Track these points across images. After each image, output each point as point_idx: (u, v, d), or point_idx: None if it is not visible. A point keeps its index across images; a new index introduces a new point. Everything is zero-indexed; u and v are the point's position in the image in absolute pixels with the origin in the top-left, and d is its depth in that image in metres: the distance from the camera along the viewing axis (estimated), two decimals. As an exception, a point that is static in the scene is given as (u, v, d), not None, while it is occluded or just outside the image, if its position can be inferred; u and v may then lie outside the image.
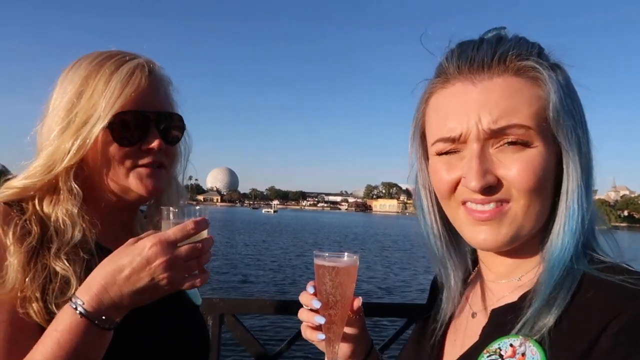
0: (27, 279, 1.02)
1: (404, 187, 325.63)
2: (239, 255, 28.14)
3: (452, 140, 0.88)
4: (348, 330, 1.10)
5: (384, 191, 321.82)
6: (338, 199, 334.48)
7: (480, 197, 0.86)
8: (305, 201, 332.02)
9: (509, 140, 0.83)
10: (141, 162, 1.17)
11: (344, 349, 1.11)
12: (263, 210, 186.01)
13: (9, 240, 1.04)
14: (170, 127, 1.22)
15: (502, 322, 0.88)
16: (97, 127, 1.09)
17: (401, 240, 49.12)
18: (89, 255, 1.10)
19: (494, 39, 0.89)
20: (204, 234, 1.04)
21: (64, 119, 1.12)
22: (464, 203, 0.90)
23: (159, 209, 1.24)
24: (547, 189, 0.86)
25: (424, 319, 1.17)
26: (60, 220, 1.10)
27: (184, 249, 0.98)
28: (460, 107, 0.87)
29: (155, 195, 1.24)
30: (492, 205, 0.86)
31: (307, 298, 1.08)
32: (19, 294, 1.01)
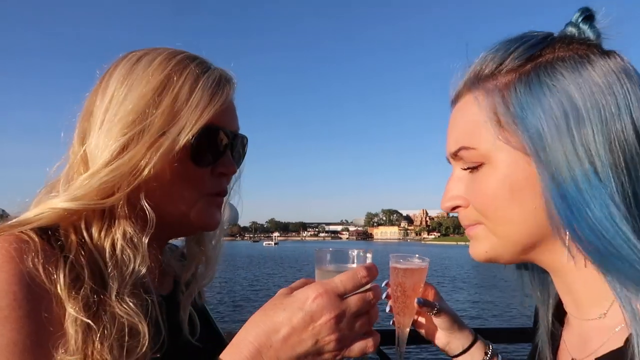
0: (96, 340, 0.76)
1: (404, 213, 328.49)
2: (241, 293, 27.05)
3: None
4: (437, 323, 1.12)
5: (384, 218, 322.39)
6: (339, 228, 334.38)
7: None
8: (306, 232, 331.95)
9: None
10: (212, 189, 0.97)
11: (439, 344, 1.14)
12: (264, 243, 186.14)
13: (60, 288, 0.76)
14: (238, 149, 1.04)
15: None
16: (180, 141, 0.88)
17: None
18: (149, 296, 0.86)
19: None
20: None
21: (133, 125, 0.87)
22: None
23: (200, 244, 1.10)
24: None
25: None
26: (119, 249, 0.85)
27: (353, 302, 0.78)
28: None
29: (214, 229, 1.02)
30: None
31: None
32: None
